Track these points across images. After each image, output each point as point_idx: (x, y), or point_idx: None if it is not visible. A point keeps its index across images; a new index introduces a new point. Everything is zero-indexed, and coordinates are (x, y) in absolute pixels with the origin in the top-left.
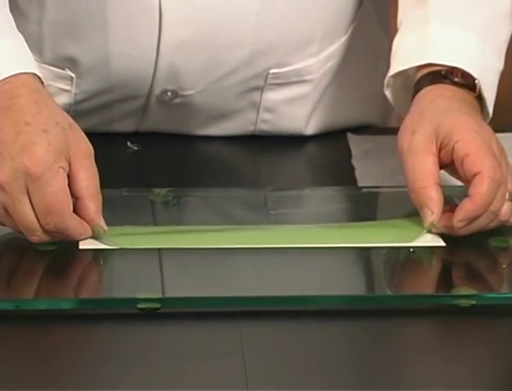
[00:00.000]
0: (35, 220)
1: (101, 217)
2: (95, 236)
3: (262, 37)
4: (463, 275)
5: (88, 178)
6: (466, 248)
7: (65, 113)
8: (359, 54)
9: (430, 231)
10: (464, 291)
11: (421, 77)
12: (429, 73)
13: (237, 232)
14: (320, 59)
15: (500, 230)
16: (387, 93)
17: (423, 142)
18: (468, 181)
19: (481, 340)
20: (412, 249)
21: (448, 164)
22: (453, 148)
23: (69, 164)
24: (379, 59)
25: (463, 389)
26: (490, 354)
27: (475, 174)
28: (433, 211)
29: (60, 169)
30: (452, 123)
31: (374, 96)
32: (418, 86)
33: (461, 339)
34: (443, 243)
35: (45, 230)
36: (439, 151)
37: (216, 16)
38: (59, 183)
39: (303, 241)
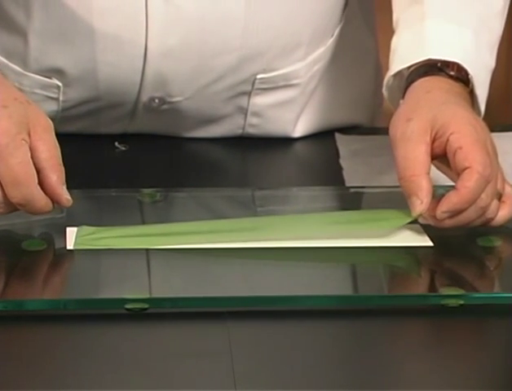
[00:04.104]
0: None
1: (64, 188)
2: (82, 236)
3: (250, 42)
4: (451, 275)
5: (48, 150)
6: (454, 248)
7: (21, 92)
8: (345, 55)
9: (417, 230)
10: (452, 291)
11: (415, 69)
12: (423, 65)
13: (225, 231)
14: (307, 63)
15: (488, 230)
16: (386, 93)
17: (417, 130)
18: (458, 174)
19: (469, 339)
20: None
21: (439, 155)
22: (448, 139)
23: (29, 137)
24: (365, 59)
25: (451, 389)
26: (478, 354)
27: (465, 168)
28: (422, 200)
29: (23, 141)
30: (449, 115)
31: (361, 96)
32: (411, 78)
33: (448, 338)
34: (430, 243)
35: (8, 203)
36: (433, 141)
37: (203, 23)
38: (24, 154)
39: (287, 232)
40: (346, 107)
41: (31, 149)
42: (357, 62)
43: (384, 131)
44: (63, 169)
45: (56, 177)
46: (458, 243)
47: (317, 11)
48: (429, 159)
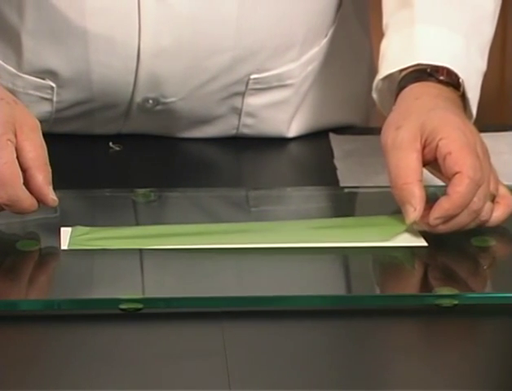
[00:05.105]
0: None
1: (50, 188)
2: (77, 237)
3: (243, 43)
4: (445, 275)
5: (35, 150)
6: (448, 248)
7: (8, 92)
8: (339, 56)
9: (412, 231)
10: (446, 290)
11: (406, 75)
12: (413, 71)
13: (218, 233)
14: (300, 64)
15: (482, 230)
16: (375, 96)
17: (408, 138)
18: (449, 179)
19: (462, 339)
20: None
21: (430, 161)
22: (437, 145)
23: (16, 137)
24: (359, 59)
25: (444, 389)
26: (471, 354)
27: (455, 173)
28: (415, 208)
29: (8, 142)
30: (438, 120)
31: (355, 97)
32: (402, 84)
33: (442, 339)
34: (425, 243)
35: None
36: (423, 148)
37: (196, 23)
38: (9, 154)
39: (283, 240)
40: (340, 108)
41: (17, 149)
42: (351, 62)
43: (378, 131)
44: (49, 168)
45: (42, 177)
46: (453, 243)
47: (311, 11)
48: (420, 166)
